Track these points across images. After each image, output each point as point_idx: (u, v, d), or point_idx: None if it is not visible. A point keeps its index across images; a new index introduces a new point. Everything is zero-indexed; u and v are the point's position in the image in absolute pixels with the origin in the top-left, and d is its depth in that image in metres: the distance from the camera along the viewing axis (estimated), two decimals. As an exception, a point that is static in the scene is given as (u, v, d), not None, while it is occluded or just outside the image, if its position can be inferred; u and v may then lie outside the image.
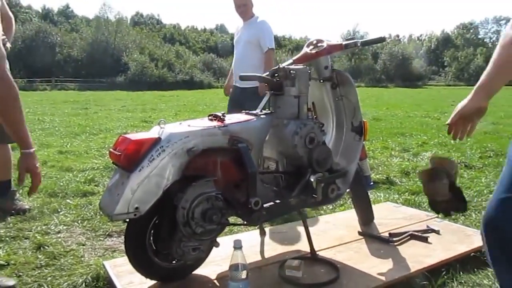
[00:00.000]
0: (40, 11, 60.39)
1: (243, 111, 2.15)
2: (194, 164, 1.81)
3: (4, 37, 2.84)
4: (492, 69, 1.36)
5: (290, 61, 2.30)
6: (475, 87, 1.42)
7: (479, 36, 70.00)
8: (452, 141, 6.23)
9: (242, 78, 2.18)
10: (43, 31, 39.10)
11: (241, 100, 3.84)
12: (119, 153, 1.70)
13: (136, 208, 1.66)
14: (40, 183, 1.72)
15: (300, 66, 2.13)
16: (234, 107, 3.74)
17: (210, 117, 1.99)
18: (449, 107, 13.80)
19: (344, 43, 2.28)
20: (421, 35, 76.42)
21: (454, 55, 59.82)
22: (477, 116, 1.46)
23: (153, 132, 1.78)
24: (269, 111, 2.14)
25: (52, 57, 37.78)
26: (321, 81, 2.31)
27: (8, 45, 2.95)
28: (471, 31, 70.01)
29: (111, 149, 1.76)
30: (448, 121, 1.52)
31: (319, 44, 2.30)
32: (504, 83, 1.39)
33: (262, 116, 2.08)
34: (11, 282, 2.03)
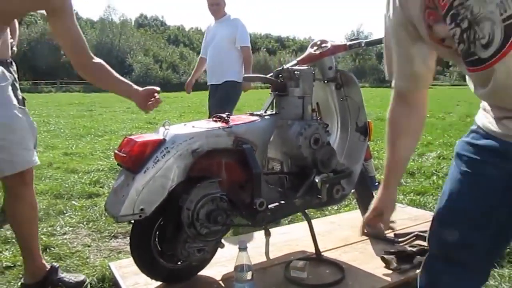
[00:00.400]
0: (45, 13, 60.62)
1: (248, 112, 2.16)
2: (198, 165, 1.81)
3: (12, 40, 2.87)
4: (386, 165, 1.32)
5: (294, 62, 2.30)
6: (382, 184, 1.35)
7: (484, 36, 69.59)
8: (457, 141, 6.22)
9: (246, 79, 2.18)
10: (48, 33, 39.29)
11: (221, 97, 3.89)
12: (124, 155, 1.70)
13: (141, 209, 1.66)
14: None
15: (304, 67, 2.13)
16: (217, 106, 3.80)
17: (214, 118, 1.99)
18: (454, 107, 13.75)
19: (348, 43, 2.28)
20: (425, 35, 76.06)
21: (459, 55, 59.54)
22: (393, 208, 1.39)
23: (158, 134, 1.79)
24: (273, 112, 2.14)
25: (57, 59, 37.98)
26: (326, 81, 2.31)
27: (14, 48, 2.97)
28: (476, 30, 69.66)
29: (116, 151, 1.77)
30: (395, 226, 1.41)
31: (323, 45, 2.30)
32: (401, 176, 1.36)
33: (266, 117, 2.08)
34: (81, 277, 2.11)
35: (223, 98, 3.90)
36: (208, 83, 4.06)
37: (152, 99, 1.87)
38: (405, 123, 1.27)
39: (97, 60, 1.88)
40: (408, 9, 1.06)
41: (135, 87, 1.90)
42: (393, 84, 1.24)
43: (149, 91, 1.88)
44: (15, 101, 1.80)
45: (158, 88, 1.89)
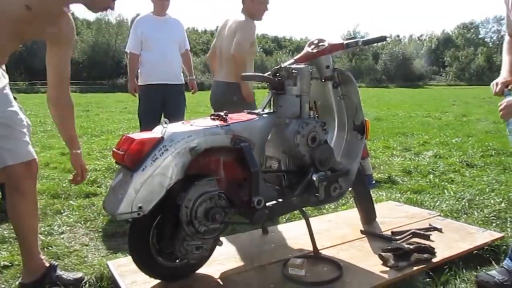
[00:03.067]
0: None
1: (245, 110, 2.16)
2: (197, 163, 1.82)
3: None
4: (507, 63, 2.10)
5: (292, 60, 2.30)
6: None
7: (480, 36, 69.98)
8: (453, 140, 6.25)
9: (245, 78, 2.18)
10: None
11: (178, 100, 3.88)
12: (123, 153, 1.71)
13: (140, 207, 1.67)
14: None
15: (301, 66, 2.14)
16: (175, 112, 3.72)
17: (212, 117, 2.00)
18: (450, 107, 13.79)
19: (345, 42, 2.29)
20: (421, 35, 76.26)
21: (455, 55, 59.76)
22: None
23: (156, 132, 1.79)
24: (271, 110, 2.14)
25: (53, 59, 37.82)
26: (323, 80, 2.32)
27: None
28: (472, 30, 69.98)
29: (114, 149, 1.77)
30: None
31: (320, 44, 2.31)
32: None
33: (264, 115, 2.09)
34: (79, 274, 2.12)
35: (181, 102, 3.91)
36: (153, 82, 3.76)
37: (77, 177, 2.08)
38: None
39: (69, 99, 1.99)
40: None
41: (77, 151, 2.05)
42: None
43: (78, 167, 2.06)
44: (12, 99, 1.87)
45: (83, 177, 2.09)
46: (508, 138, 1.94)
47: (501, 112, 1.88)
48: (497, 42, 63.22)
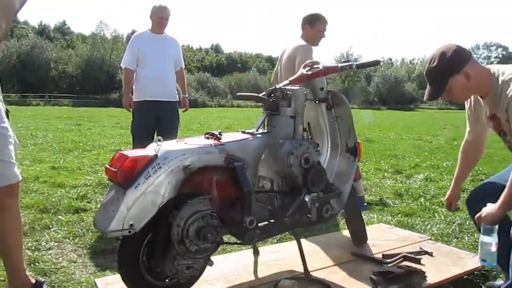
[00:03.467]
0: (37, 26, 60.10)
1: (240, 130, 2.17)
2: (190, 181, 1.81)
3: None
4: (456, 173, 2.46)
5: (287, 82, 2.33)
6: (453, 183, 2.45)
7: (470, 61, 70.90)
8: (444, 164, 6.30)
9: (240, 97, 2.20)
10: (39, 46, 39.03)
11: (172, 117, 3.94)
12: (116, 170, 1.70)
13: (131, 225, 1.65)
14: None
15: (296, 87, 2.16)
16: (169, 128, 3.80)
17: (206, 135, 2.00)
18: (441, 130, 13.95)
19: (339, 65, 2.31)
20: (413, 59, 77.46)
21: (446, 79, 60.48)
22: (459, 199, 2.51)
23: (150, 149, 1.79)
24: (265, 131, 2.16)
25: (46, 72, 37.81)
26: (317, 102, 2.34)
27: (3, 46, 2.96)
28: (462, 56, 70.97)
29: (107, 165, 1.76)
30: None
31: (315, 66, 2.34)
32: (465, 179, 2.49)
33: (258, 135, 2.10)
34: None
35: (175, 119, 3.99)
36: (148, 98, 3.80)
37: None
38: (470, 152, 2.42)
39: None
40: (480, 111, 2.17)
41: None
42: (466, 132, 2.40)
43: None
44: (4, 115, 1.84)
45: None
46: (480, 247, 1.89)
47: (477, 218, 1.89)
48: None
